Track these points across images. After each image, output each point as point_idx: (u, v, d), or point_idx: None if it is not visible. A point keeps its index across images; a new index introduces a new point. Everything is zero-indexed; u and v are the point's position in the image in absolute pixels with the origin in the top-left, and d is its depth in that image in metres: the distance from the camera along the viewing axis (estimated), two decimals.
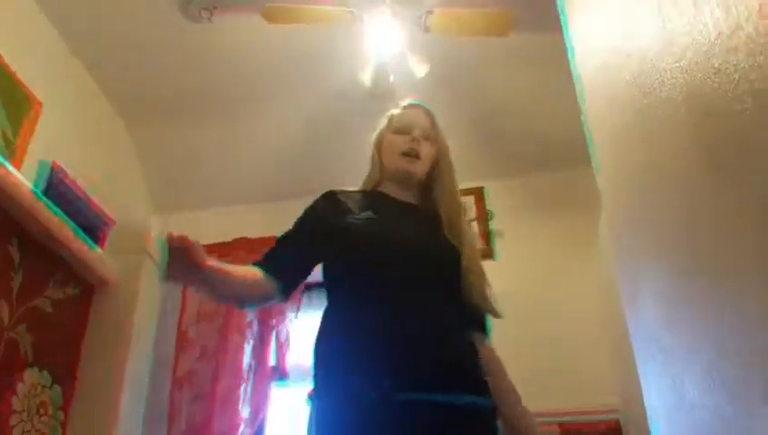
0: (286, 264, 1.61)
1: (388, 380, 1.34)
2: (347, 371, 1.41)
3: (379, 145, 1.82)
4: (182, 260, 1.31)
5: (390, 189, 1.76)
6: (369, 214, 1.63)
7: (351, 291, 1.55)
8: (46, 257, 1.14)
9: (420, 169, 1.73)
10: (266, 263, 1.58)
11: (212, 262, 1.37)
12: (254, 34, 3.39)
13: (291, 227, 1.70)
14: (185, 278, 1.43)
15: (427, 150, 1.74)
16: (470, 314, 1.57)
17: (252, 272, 1.54)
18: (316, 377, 1.47)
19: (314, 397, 1.44)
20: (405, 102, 1.86)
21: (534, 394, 3.59)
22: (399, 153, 1.72)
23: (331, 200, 1.71)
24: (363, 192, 1.78)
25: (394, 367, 1.36)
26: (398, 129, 1.77)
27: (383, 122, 1.84)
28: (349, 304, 1.54)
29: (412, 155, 1.71)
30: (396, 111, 1.84)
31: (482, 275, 1.61)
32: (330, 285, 1.62)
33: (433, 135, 1.77)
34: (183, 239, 1.30)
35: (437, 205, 1.71)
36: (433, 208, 1.72)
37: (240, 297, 1.58)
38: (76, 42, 3.46)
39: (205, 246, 1.41)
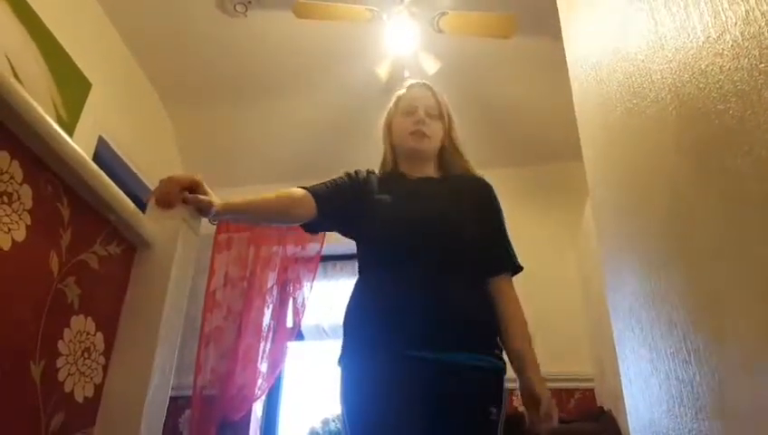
0: (330, 198, 1.62)
1: (400, 340, 1.36)
2: (364, 334, 1.44)
3: (388, 127, 1.77)
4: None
5: (406, 168, 1.72)
6: (384, 196, 1.62)
7: (370, 266, 1.57)
8: (94, 218, 1.15)
9: (428, 145, 1.69)
10: (312, 189, 1.60)
11: (223, 203, 1.45)
12: (284, 29, 3.37)
13: (336, 177, 1.69)
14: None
15: (434, 128, 1.69)
16: (486, 268, 1.55)
17: (288, 194, 1.57)
18: (343, 342, 1.49)
19: (341, 359, 1.47)
20: (408, 83, 1.80)
21: None
22: (408, 133, 1.68)
23: (368, 177, 1.71)
24: (381, 177, 1.74)
25: (404, 330, 1.38)
26: (405, 110, 1.71)
27: (391, 104, 1.79)
28: (367, 276, 1.56)
29: (419, 135, 1.67)
30: (401, 92, 1.78)
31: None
32: (358, 261, 1.63)
33: (437, 112, 1.71)
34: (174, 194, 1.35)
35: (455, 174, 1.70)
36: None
37: (272, 218, 1.66)
38: (126, 31, 3.47)
39: None
